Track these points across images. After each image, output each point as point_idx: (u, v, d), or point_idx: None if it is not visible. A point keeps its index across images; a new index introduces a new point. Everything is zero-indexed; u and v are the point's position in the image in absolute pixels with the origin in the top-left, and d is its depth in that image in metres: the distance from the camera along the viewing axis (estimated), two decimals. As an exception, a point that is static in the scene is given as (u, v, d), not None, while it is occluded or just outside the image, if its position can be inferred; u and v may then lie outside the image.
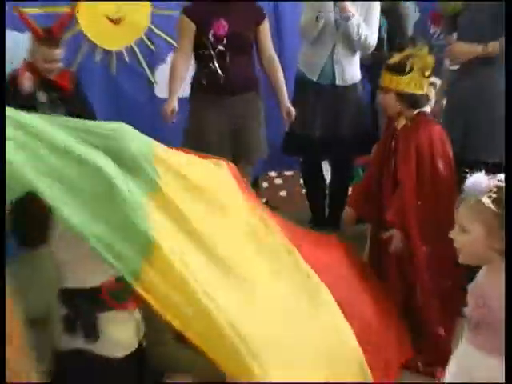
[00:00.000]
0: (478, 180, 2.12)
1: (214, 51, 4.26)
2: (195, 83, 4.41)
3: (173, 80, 4.33)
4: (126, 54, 5.41)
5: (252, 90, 4.55)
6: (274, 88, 4.51)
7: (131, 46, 5.36)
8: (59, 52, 4.48)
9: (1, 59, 3.58)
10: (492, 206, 2.07)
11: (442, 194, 3.33)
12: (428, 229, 3.33)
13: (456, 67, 3.99)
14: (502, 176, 2.14)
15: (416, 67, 3.33)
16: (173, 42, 5.22)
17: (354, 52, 4.90)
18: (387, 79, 3.44)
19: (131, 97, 5.37)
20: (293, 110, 4.43)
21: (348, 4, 4.67)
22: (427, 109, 3.63)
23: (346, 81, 4.85)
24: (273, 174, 6.02)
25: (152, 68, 5.47)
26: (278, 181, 5.95)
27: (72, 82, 4.62)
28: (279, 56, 5.01)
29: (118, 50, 5.41)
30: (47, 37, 4.43)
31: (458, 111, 3.91)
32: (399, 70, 3.36)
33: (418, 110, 3.45)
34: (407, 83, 3.38)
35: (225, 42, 4.31)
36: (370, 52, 4.96)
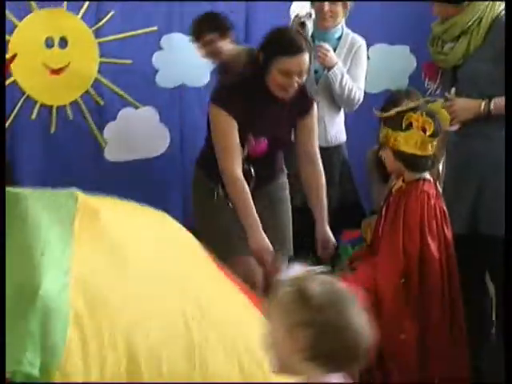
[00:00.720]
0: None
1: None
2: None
3: (248, 208, 3.67)
4: (69, 110, 5.05)
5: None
6: (308, 200, 3.95)
7: (76, 101, 4.99)
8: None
9: (1, 60, 3.60)
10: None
11: (430, 276, 3.25)
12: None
13: (455, 127, 3.76)
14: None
15: (415, 124, 3.22)
16: (125, 95, 5.06)
17: (337, 108, 4.70)
18: (383, 134, 3.36)
19: (76, 160, 5.04)
20: (331, 241, 3.83)
21: (330, 52, 4.46)
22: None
23: (329, 142, 4.57)
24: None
25: (101, 126, 5.10)
26: None
27: None
28: None
29: (60, 106, 5.05)
30: None
31: (467, 179, 3.68)
32: (395, 125, 3.27)
33: (420, 175, 3.32)
34: (405, 141, 3.28)
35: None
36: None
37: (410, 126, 3.23)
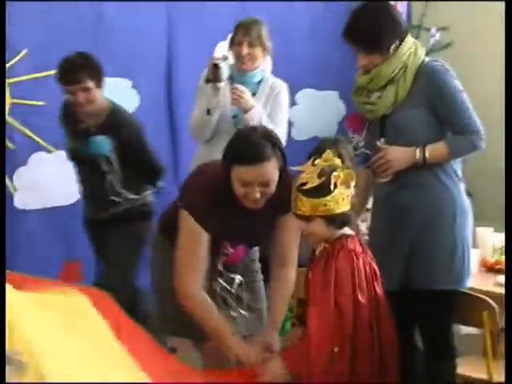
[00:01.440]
0: None
1: (223, 280, 3.65)
2: None
3: (212, 319, 3.43)
4: None
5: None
6: (270, 301, 3.69)
7: None
8: None
9: (1, 60, 3.69)
10: None
11: (361, 334, 3.14)
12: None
13: (387, 178, 3.69)
14: None
15: (339, 181, 3.08)
16: (37, 138, 5.03)
17: None
18: (308, 205, 3.12)
19: None
20: (275, 346, 3.57)
21: (246, 93, 4.45)
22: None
23: None
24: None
25: (10, 172, 4.98)
26: None
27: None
28: (174, 156, 5.44)
29: None
30: None
31: (399, 233, 3.63)
32: (323, 191, 3.07)
33: (342, 231, 3.20)
34: (336, 203, 3.11)
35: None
36: None
37: (335, 186, 3.07)
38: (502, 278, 3.97)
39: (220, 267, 3.51)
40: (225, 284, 3.60)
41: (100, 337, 2.93)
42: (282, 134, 4.41)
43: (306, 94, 5.86)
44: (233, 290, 3.63)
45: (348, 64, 4.59)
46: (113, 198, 4.47)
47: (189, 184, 3.59)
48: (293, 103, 5.18)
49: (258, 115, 4.41)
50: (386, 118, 3.59)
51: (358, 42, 3.50)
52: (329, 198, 3.05)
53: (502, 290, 3.73)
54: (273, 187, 3.26)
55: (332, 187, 3.04)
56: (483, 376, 3.69)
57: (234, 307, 3.66)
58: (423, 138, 3.50)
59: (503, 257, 4.29)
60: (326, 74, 5.91)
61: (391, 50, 3.50)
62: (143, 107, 5.54)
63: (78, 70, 4.14)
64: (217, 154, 3.88)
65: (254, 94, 4.52)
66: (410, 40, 3.55)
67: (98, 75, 4.24)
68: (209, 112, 4.46)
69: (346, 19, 3.74)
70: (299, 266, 4.30)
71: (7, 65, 4.81)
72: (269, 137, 3.28)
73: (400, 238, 3.58)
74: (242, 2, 5.67)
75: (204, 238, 3.37)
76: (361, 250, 3.23)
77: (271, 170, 3.21)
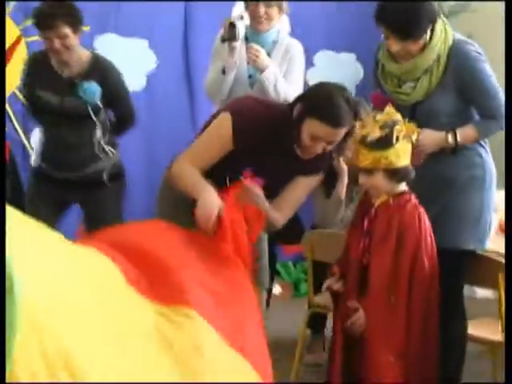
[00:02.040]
0: None
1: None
2: None
3: (194, 176, 3.46)
4: None
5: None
6: None
7: None
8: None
9: (1, 61, 3.67)
10: None
11: (422, 294, 3.27)
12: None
13: (419, 161, 3.67)
14: None
15: (401, 135, 3.18)
16: None
17: None
18: (370, 158, 3.23)
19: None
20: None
21: (261, 52, 4.42)
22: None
23: None
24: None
25: (28, 132, 5.07)
26: None
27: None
28: (192, 118, 5.51)
29: None
30: None
31: (431, 198, 3.68)
32: (385, 144, 3.18)
33: (403, 186, 3.31)
34: (397, 156, 3.22)
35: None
36: None
37: (397, 139, 3.17)
38: None
39: None
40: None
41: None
42: (296, 93, 4.38)
43: (323, 56, 5.81)
44: None
45: (366, 27, 4.60)
46: (98, 153, 4.36)
47: (243, 101, 3.64)
48: (310, 64, 5.18)
49: (273, 75, 4.41)
50: (417, 103, 3.61)
51: (392, 27, 3.47)
52: (391, 151, 3.14)
53: None
54: (333, 145, 3.35)
55: (394, 140, 3.12)
56: (498, 338, 3.71)
57: None
58: (453, 122, 3.53)
59: None
60: (343, 36, 5.90)
61: (425, 37, 3.48)
62: (160, 67, 5.58)
63: (54, 16, 4.06)
64: None
65: (269, 54, 4.48)
66: (439, 23, 3.52)
67: (75, 22, 4.14)
68: (224, 71, 4.46)
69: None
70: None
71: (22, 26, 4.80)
72: (354, 105, 3.33)
73: (432, 201, 3.58)
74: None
75: (225, 147, 3.39)
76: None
77: (342, 132, 3.29)
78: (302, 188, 3.64)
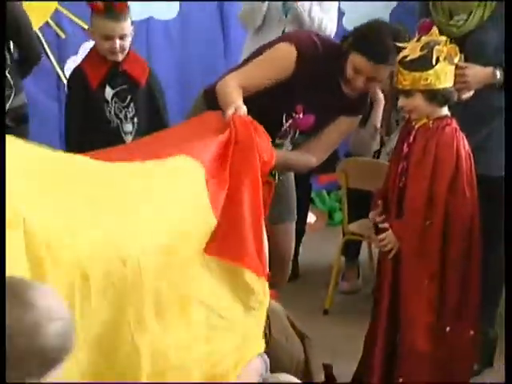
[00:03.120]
0: None
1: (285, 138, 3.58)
2: None
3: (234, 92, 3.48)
4: None
5: None
6: None
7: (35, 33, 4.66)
8: (124, 27, 3.93)
9: (1, 60, 3.60)
10: None
11: (461, 219, 3.26)
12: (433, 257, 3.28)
13: (466, 96, 3.61)
14: None
15: (442, 56, 3.12)
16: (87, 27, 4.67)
17: None
18: (409, 79, 3.19)
19: (34, 98, 4.76)
20: None
21: None
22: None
23: None
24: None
25: (62, 61, 4.96)
26: None
27: (145, 72, 4.13)
28: (225, 50, 5.49)
29: None
30: (109, 9, 3.91)
31: (476, 130, 3.70)
32: (425, 64, 3.13)
33: (444, 111, 3.26)
34: (437, 77, 3.16)
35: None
36: None
37: (437, 60, 3.13)
38: None
39: (285, 126, 3.48)
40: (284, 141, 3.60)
41: None
42: (332, 21, 4.57)
43: None
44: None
45: None
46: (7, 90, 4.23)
47: (302, 33, 3.75)
48: None
49: (308, 3, 4.45)
50: (466, 36, 3.55)
51: None
52: (430, 71, 3.08)
53: None
54: (377, 84, 3.47)
55: (434, 61, 3.06)
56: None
57: None
58: (497, 59, 3.46)
59: None
60: None
61: None
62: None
63: None
64: (267, 41, 3.99)
65: None
66: None
67: None
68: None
69: None
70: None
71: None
72: (398, 40, 3.31)
73: (477, 130, 3.59)
74: None
75: (282, 73, 3.40)
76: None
77: (385, 71, 3.32)
78: (339, 131, 3.64)
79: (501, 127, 3.53)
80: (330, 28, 4.59)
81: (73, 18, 4.82)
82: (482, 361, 3.67)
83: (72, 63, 4.76)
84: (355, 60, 3.31)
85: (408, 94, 3.19)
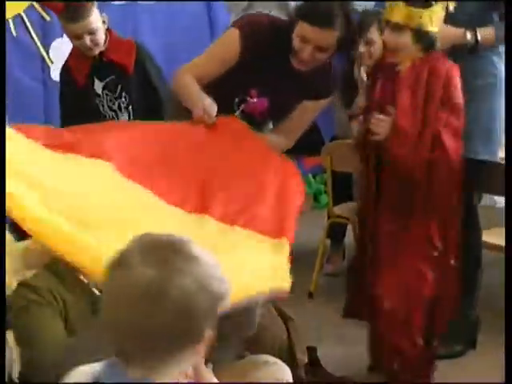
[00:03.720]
0: None
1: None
2: None
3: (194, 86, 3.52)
4: (12, 26, 4.99)
5: None
6: None
7: (20, 15, 4.90)
8: (87, 23, 3.87)
9: (1, 60, 3.58)
10: None
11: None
12: None
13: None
14: None
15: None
16: None
17: None
18: (403, 13, 3.20)
19: (20, 80, 4.91)
20: None
21: None
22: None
23: None
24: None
25: (46, 44, 5.01)
26: None
27: (131, 55, 4.09)
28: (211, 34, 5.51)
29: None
30: (68, 10, 3.91)
31: None
32: (424, 2, 3.18)
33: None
34: (430, 19, 3.20)
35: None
36: None
37: (435, 1, 3.18)
38: None
39: (238, 112, 3.48)
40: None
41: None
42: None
43: None
44: None
45: None
46: None
47: (250, 17, 3.72)
48: None
49: None
50: None
51: None
52: (426, 11, 3.11)
53: None
54: (326, 54, 3.29)
55: (433, 1, 3.12)
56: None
57: None
58: (473, 23, 3.45)
59: None
60: None
61: None
62: None
63: None
64: None
65: None
66: None
67: None
68: None
69: None
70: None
71: None
72: (344, 7, 3.33)
73: None
74: None
75: (230, 58, 3.39)
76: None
77: (332, 37, 3.23)
78: (307, 113, 3.62)
79: (476, 112, 3.51)
80: None
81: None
82: (464, 342, 3.71)
83: (57, 45, 4.80)
84: (301, 28, 3.26)
85: (398, 29, 3.18)
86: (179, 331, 1.45)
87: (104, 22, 3.96)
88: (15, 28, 4.93)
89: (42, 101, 4.91)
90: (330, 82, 3.63)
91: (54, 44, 4.92)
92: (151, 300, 1.42)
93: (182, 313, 1.44)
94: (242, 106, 3.49)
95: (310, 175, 5.58)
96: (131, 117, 4.04)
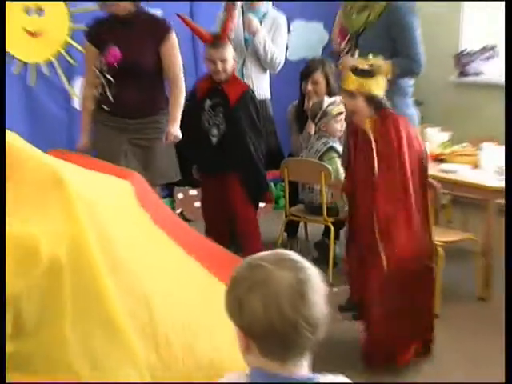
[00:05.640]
0: None
1: (104, 78, 3.89)
2: (97, 104, 4.06)
3: (83, 114, 4.03)
4: (45, 68, 5.16)
5: (151, 115, 4.08)
6: (170, 105, 4.10)
7: (50, 60, 5.10)
8: (222, 53, 4.20)
9: (1, 61, 3.33)
10: None
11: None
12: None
13: None
14: None
15: (380, 70, 3.31)
16: None
17: (263, 69, 4.93)
18: (355, 83, 3.33)
19: (48, 109, 5.14)
20: (176, 136, 3.99)
21: (254, 21, 4.74)
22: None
23: (257, 95, 4.60)
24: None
25: (70, 80, 5.20)
26: (193, 192, 5.73)
27: (237, 93, 4.30)
28: (195, 64, 5.48)
29: (35, 63, 5.15)
30: (212, 38, 4.25)
31: None
32: (369, 74, 3.29)
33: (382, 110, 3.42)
34: (376, 86, 3.32)
35: (117, 69, 3.88)
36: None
37: (378, 72, 3.31)
38: (444, 166, 4.45)
39: (102, 67, 3.90)
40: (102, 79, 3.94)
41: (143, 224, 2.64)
42: (281, 54, 4.83)
43: (298, 24, 6.04)
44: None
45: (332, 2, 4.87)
46: None
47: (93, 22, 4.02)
48: (288, 31, 5.24)
49: (263, 38, 4.69)
50: (359, 35, 3.84)
51: None
52: (372, 80, 3.29)
53: (444, 174, 4.28)
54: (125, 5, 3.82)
55: (376, 73, 3.27)
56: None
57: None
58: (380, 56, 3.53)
59: (446, 150, 4.75)
60: (314, 8, 6.10)
61: None
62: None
63: None
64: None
65: (260, 23, 4.79)
66: None
67: None
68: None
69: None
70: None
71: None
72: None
73: None
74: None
75: (93, 51, 3.90)
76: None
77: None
78: (169, 56, 3.97)
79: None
80: (279, 60, 4.83)
81: (80, 48, 4.72)
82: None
83: (79, 82, 4.78)
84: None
85: (353, 95, 3.34)
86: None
87: (234, 59, 4.27)
88: (48, 69, 5.09)
89: (66, 124, 5.07)
90: (161, 24, 3.98)
91: (77, 81, 5.01)
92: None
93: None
94: (102, 60, 3.89)
95: (272, 183, 5.45)
96: (220, 132, 4.26)
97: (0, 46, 3.53)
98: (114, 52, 3.83)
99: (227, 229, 4.47)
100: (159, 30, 3.97)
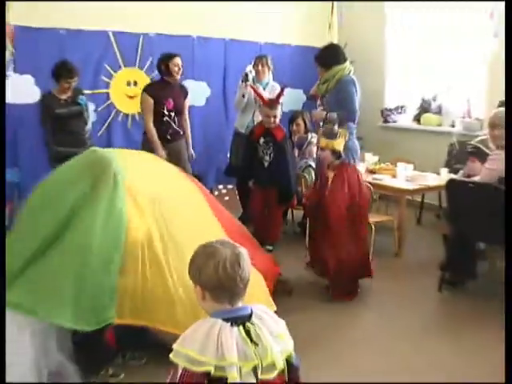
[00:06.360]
0: None
1: (169, 117, 5.50)
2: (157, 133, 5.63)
3: (155, 138, 5.52)
4: (137, 116, 6.76)
5: (183, 138, 5.81)
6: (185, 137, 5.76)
7: (139, 112, 6.37)
8: (275, 112, 5.12)
9: (1, 61, 2.91)
10: None
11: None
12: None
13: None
14: None
15: (341, 134, 4.06)
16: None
17: None
18: (324, 142, 4.16)
19: (137, 141, 6.13)
20: (193, 154, 5.70)
21: (260, 88, 5.97)
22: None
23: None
24: (220, 186, 7.49)
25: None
26: (224, 191, 7.32)
27: (281, 134, 5.27)
28: (226, 119, 7.00)
29: (132, 114, 6.76)
30: (269, 102, 5.16)
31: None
32: (334, 136, 4.04)
33: (340, 160, 4.23)
34: (338, 144, 4.05)
35: (172, 111, 5.51)
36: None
37: (339, 136, 3.95)
38: (375, 176, 5.61)
39: (164, 111, 5.42)
40: (167, 118, 5.39)
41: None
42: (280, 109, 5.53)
43: (288, 90, 6.82)
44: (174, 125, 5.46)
45: (310, 74, 5.89)
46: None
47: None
48: None
49: (267, 96, 5.59)
50: (323, 98, 4.61)
51: (317, 63, 4.61)
52: (335, 140, 3.95)
53: (375, 181, 5.38)
54: (180, 73, 5.26)
55: (337, 136, 3.94)
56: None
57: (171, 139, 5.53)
58: (334, 110, 4.35)
59: (376, 166, 6.04)
60: (298, 79, 7.39)
61: (333, 67, 4.46)
62: (212, 96, 7.23)
63: None
64: (247, 117, 6.16)
65: (264, 89, 6.03)
66: (343, 65, 4.48)
67: None
68: (243, 96, 6.07)
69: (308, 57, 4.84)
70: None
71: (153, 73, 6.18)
72: None
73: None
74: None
75: (151, 102, 5.36)
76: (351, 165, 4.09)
77: (179, 63, 5.32)
78: (187, 105, 5.50)
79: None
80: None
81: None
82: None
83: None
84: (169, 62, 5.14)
85: (323, 149, 4.00)
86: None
87: (280, 113, 5.08)
88: (138, 117, 6.34)
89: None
90: (185, 89, 5.51)
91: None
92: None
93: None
94: (165, 106, 5.35)
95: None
96: (270, 159, 5.09)
97: (0, 46, 3.28)
98: (170, 102, 5.41)
99: (264, 221, 5.55)
100: (185, 90, 5.66)
